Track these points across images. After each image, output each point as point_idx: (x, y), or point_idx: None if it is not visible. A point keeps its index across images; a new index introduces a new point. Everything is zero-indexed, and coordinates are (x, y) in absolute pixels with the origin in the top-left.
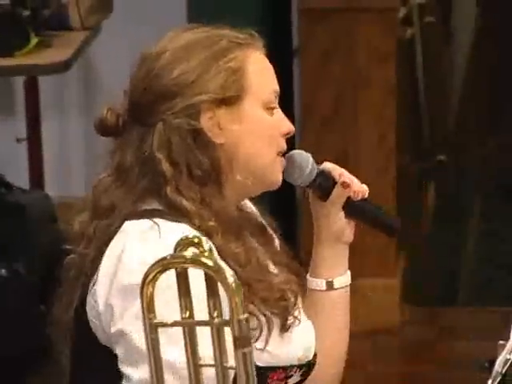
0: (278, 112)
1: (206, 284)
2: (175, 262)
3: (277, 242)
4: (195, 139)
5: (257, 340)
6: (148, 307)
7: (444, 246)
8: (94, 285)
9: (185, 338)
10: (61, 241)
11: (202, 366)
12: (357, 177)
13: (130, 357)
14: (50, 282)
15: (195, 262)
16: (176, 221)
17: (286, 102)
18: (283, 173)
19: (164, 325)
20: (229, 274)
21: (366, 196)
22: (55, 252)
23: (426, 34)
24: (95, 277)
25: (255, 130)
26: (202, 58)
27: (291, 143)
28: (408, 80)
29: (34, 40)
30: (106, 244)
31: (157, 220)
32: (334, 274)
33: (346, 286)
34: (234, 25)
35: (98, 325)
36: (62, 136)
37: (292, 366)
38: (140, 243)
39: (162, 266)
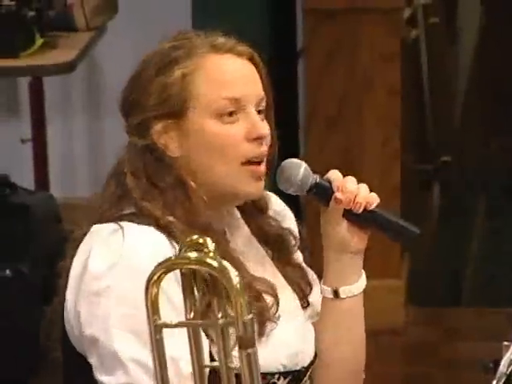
0: (244, 116)
1: (211, 285)
2: (180, 263)
3: (297, 255)
4: (150, 155)
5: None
6: (152, 308)
7: (448, 247)
8: (66, 290)
9: (189, 338)
10: (65, 241)
11: (206, 366)
12: (361, 177)
13: (104, 363)
14: (53, 282)
15: (200, 262)
16: (143, 224)
17: (290, 103)
18: (277, 183)
19: (168, 326)
20: (233, 274)
21: (375, 205)
22: (59, 253)
23: (430, 35)
24: (67, 282)
25: (204, 141)
26: (148, 75)
27: (296, 144)
28: (412, 81)
29: (39, 41)
30: (77, 249)
31: (123, 223)
32: (339, 283)
33: (354, 295)
34: (238, 25)
35: (69, 330)
36: (66, 137)
37: (273, 374)
38: (104, 247)
39: (166, 267)
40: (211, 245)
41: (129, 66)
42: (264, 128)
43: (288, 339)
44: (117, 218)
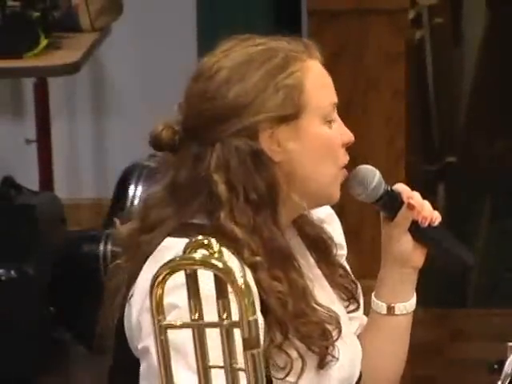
0: (337, 122)
1: (216, 285)
2: (184, 264)
3: (339, 258)
4: (254, 160)
5: (288, 374)
6: (157, 309)
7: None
8: (131, 297)
9: (194, 339)
10: (69, 242)
11: (211, 367)
12: None
13: (149, 374)
14: (58, 283)
15: (205, 263)
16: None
17: None
18: (347, 186)
19: (173, 326)
20: (238, 275)
21: (437, 223)
22: (64, 253)
23: (435, 36)
24: (133, 289)
25: (314, 146)
26: (258, 77)
27: None
28: (417, 81)
29: (44, 41)
30: (145, 259)
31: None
32: (395, 299)
33: (408, 313)
34: (243, 26)
35: (130, 336)
36: (71, 137)
37: None
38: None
39: (171, 267)
40: (216, 245)
41: (133, 66)
42: (352, 136)
43: (343, 363)
44: (191, 229)
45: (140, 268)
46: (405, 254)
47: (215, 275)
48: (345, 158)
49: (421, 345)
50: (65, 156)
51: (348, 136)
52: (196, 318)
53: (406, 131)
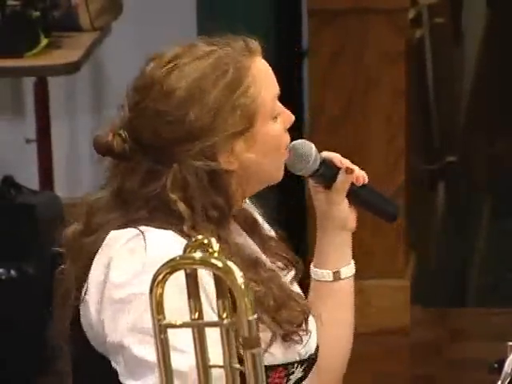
0: (279, 107)
1: (215, 285)
2: (184, 263)
3: (271, 233)
4: (212, 179)
5: None
6: (157, 308)
7: (454, 247)
8: (85, 294)
9: (194, 339)
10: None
11: (211, 367)
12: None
13: (132, 369)
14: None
15: (204, 263)
16: (161, 227)
17: (295, 103)
18: (287, 164)
19: (173, 326)
20: (238, 275)
21: (367, 182)
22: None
23: (435, 35)
24: (84, 289)
25: (267, 145)
26: (214, 97)
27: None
28: (417, 81)
29: (44, 41)
30: (91, 258)
31: (141, 228)
32: (340, 265)
33: (352, 276)
34: (243, 26)
35: (92, 334)
36: (71, 137)
37: (293, 363)
38: (126, 254)
39: (171, 267)
40: (216, 245)
41: (133, 66)
42: (290, 113)
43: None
44: (133, 223)
45: (87, 268)
46: (344, 218)
47: (215, 274)
48: (287, 140)
49: (420, 344)
50: (65, 155)
51: (289, 118)
52: (196, 317)
53: (406, 131)
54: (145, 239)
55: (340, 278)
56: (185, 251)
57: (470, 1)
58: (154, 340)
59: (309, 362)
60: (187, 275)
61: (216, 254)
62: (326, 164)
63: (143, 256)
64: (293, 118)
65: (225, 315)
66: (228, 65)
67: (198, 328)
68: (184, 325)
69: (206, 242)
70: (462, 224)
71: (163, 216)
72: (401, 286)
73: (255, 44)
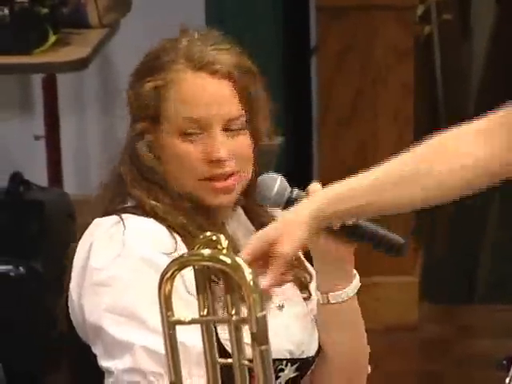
0: (207, 138)
1: (224, 281)
2: (193, 260)
3: None
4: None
5: None
6: (166, 305)
7: (462, 244)
8: (69, 283)
9: (203, 335)
10: (79, 238)
11: (219, 363)
12: None
13: (110, 350)
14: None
15: (213, 259)
16: (143, 215)
17: (304, 100)
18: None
19: (182, 322)
20: (247, 271)
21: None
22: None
23: (443, 31)
24: (68, 279)
25: (169, 155)
26: (131, 80)
27: (309, 141)
28: (426, 77)
29: (53, 38)
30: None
31: (123, 215)
32: (328, 289)
33: (343, 301)
34: (251, 24)
35: (75, 322)
36: (80, 133)
37: (281, 360)
38: (105, 239)
39: (179, 263)
40: (224, 242)
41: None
42: (221, 151)
43: (291, 326)
44: (118, 211)
45: (71, 258)
46: (322, 250)
47: (223, 271)
48: (208, 172)
49: (428, 341)
50: (73, 152)
51: (213, 153)
52: (205, 313)
53: (414, 126)
54: (124, 225)
55: (330, 303)
56: (193, 248)
57: None
58: (141, 325)
59: (303, 363)
60: (196, 271)
61: (224, 251)
62: (299, 198)
63: (121, 241)
64: (218, 156)
65: (233, 311)
66: (163, 55)
67: (206, 324)
68: (193, 321)
69: (214, 238)
70: (470, 221)
71: (117, 181)
72: (410, 283)
73: (204, 58)
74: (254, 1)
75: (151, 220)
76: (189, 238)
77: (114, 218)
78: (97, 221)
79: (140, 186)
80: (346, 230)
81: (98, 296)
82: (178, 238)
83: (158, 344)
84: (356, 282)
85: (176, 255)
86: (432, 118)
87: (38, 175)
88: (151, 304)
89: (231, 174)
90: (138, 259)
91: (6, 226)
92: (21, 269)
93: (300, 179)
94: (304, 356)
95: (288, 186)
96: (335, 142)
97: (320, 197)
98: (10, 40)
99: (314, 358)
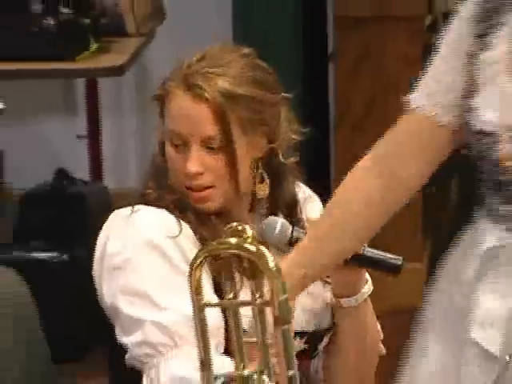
0: (187, 152)
1: (250, 268)
2: (221, 248)
3: None
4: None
5: None
6: (196, 290)
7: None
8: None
9: (229, 318)
10: None
11: (247, 343)
12: None
13: (125, 328)
14: None
15: (239, 247)
16: (157, 206)
17: (321, 105)
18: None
19: (210, 305)
20: (270, 259)
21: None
22: None
23: None
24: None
25: (168, 158)
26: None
27: (326, 144)
28: None
29: (94, 46)
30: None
31: (137, 206)
32: (340, 294)
33: (354, 306)
34: (273, 30)
35: (102, 305)
36: (119, 133)
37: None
38: (120, 227)
39: (208, 251)
40: (249, 231)
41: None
42: (191, 166)
43: (302, 300)
44: (137, 203)
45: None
46: (339, 279)
47: (248, 259)
48: (187, 181)
49: None
50: (113, 150)
51: (185, 167)
52: (231, 297)
53: None
54: (137, 215)
55: (342, 307)
56: (223, 236)
57: None
58: (151, 303)
59: (312, 336)
60: (222, 259)
61: (249, 240)
62: (300, 238)
63: (131, 227)
64: (190, 171)
65: (258, 295)
66: (177, 70)
67: (232, 308)
68: (220, 304)
69: (240, 228)
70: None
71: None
72: (417, 270)
73: (194, 81)
74: (278, 13)
75: (162, 210)
76: (202, 230)
77: (129, 209)
78: (114, 212)
79: (157, 182)
80: (349, 260)
81: (114, 278)
82: (186, 226)
83: (166, 318)
84: (364, 292)
85: (182, 238)
86: None
87: (81, 171)
88: (158, 283)
89: (208, 187)
90: (144, 243)
91: (51, 217)
92: (64, 256)
93: (317, 179)
94: (313, 329)
95: (290, 226)
96: (350, 144)
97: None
98: (56, 48)
99: (323, 332)
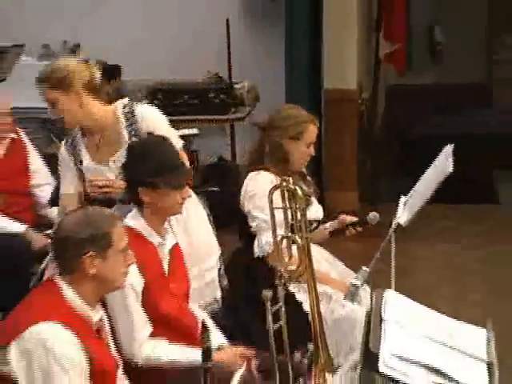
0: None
1: (288, 197)
2: (283, 185)
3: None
4: None
5: None
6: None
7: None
8: None
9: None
10: None
11: (284, 237)
12: None
13: (258, 229)
14: None
15: (284, 186)
16: (267, 171)
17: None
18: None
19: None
20: (299, 191)
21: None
22: None
23: None
24: None
25: None
26: None
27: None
28: None
29: (233, 109)
30: None
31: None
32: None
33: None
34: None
35: None
36: None
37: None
38: (252, 183)
39: (275, 187)
40: (290, 180)
41: None
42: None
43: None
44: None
45: None
46: None
47: (288, 190)
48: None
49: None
50: None
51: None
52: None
53: None
54: (258, 175)
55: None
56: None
57: None
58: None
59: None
60: (283, 191)
61: (290, 184)
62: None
63: (256, 182)
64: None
65: (286, 202)
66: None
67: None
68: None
69: (286, 178)
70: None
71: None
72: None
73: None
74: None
75: (269, 174)
76: None
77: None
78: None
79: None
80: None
81: (250, 202)
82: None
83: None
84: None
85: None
86: None
87: None
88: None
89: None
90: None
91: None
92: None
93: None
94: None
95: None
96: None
97: None
98: (214, 108)
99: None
